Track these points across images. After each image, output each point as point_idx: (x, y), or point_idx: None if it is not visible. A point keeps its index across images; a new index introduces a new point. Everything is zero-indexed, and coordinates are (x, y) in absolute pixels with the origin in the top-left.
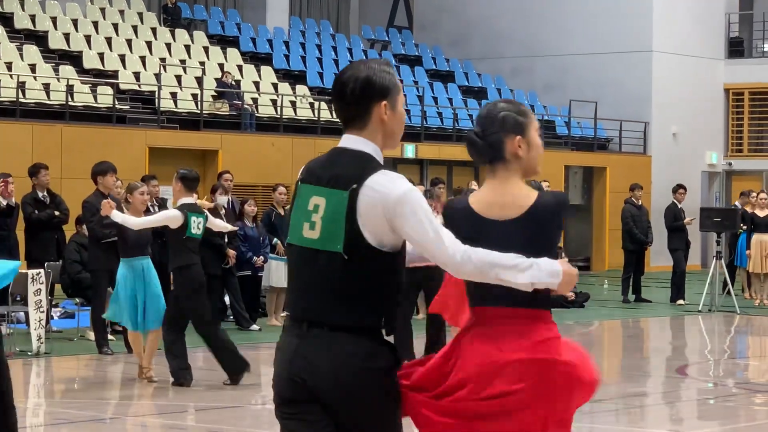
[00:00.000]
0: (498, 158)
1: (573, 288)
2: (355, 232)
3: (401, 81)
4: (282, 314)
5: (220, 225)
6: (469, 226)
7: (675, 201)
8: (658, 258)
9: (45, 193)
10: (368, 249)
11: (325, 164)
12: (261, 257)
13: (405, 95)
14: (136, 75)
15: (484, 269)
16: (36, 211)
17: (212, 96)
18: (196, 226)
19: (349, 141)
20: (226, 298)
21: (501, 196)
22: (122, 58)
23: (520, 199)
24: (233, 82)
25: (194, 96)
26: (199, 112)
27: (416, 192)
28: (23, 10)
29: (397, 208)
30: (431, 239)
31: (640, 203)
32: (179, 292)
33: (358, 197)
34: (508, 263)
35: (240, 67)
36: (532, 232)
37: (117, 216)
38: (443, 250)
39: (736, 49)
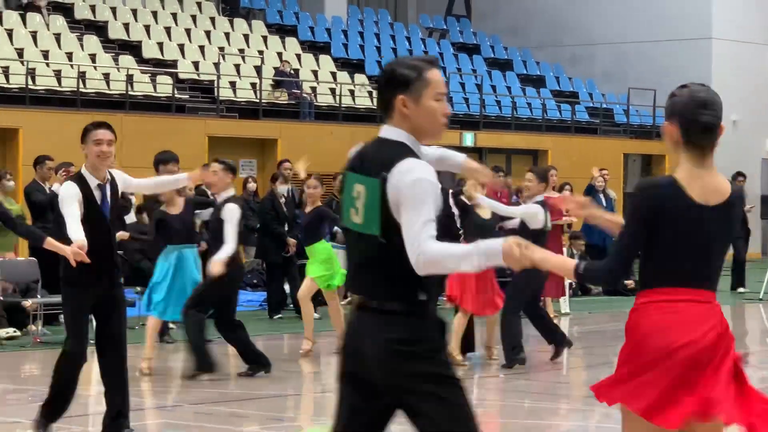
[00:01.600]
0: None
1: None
2: (388, 217)
3: (459, 69)
4: (342, 302)
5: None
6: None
7: None
8: None
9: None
10: (401, 233)
11: (364, 153)
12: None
13: (463, 83)
14: (195, 64)
15: (436, 263)
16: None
17: (271, 85)
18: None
19: (384, 131)
20: (286, 287)
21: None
22: (181, 47)
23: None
24: (292, 71)
25: (253, 85)
26: (257, 101)
27: (425, 182)
28: (83, 0)
29: (402, 193)
30: (413, 231)
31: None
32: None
33: (387, 184)
34: (456, 254)
35: (298, 56)
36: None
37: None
38: (412, 245)
39: None
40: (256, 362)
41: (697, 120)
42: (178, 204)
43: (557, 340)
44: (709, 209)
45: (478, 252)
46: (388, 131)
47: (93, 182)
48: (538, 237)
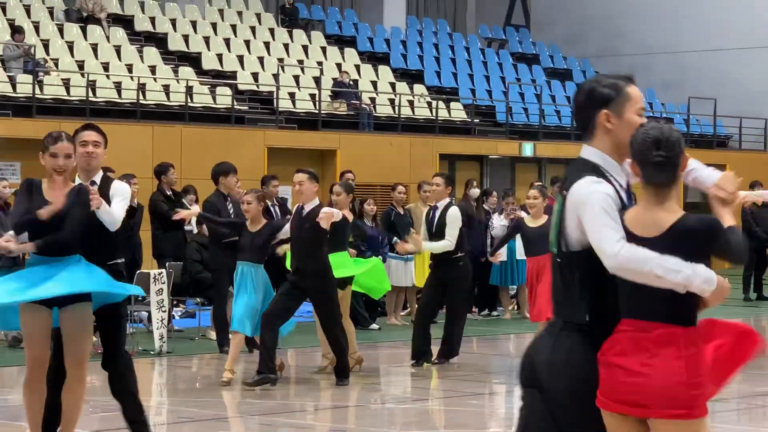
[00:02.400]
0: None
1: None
2: (563, 235)
3: (518, 79)
4: (402, 313)
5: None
6: None
7: None
8: None
9: (170, 192)
10: (573, 251)
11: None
12: (380, 257)
13: (522, 93)
14: (255, 75)
15: (639, 262)
16: (168, 209)
17: (330, 96)
18: None
19: (582, 151)
20: None
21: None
22: (240, 58)
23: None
24: (351, 82)
25: (312, 96)
26: (317, 111)
27: (597, 194)
28: (143, 12)
29: (580, 207)
30: (595, 232)
31: (761, 201)
32: None
33: (566, 203)
34: (665, 260)
35: (357, 67)
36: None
37: None
38: (602, 243)
39: None
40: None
41: (649, 160)
42: (260, 223)
43: None
44: (645, 240)
45: (694, 272)
46: (585, 151)
47: None
48: None
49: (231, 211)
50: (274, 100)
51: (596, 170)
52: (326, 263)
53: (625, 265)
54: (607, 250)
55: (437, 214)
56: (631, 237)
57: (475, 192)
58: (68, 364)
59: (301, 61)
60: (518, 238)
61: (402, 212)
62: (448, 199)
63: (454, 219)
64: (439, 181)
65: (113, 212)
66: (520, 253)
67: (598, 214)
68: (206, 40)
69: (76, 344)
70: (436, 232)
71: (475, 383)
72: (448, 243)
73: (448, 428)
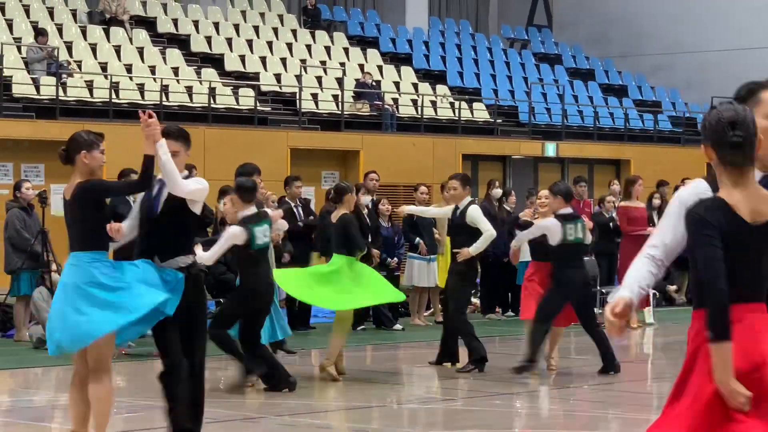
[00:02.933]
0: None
1: None
2: None
3: (540, 80)
4: (425, 314)
5: (281, 225)
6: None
7: None
8: None
9: None
10: None
11: None
12: (395, 258)
13: (545, 94)
14: (277, 77)
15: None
16: None
17: (352, 97)
18: (262, 235)
19: None
20: None
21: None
22: (263, 60)
23: None
24: (373, 83)
25: (335, 97)
26: (339, 112)
27: (677, 198)
28: (166, 14)
29: None
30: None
31: None
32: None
33: None
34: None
35: (380, 68)
36: None
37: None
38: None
39: None
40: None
41: (726, 141)
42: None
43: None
44: (757, 228)
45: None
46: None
47: None
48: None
49: None
50: (297, 101)
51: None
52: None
53: None
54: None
55: (458, 213)
56: (742, 225)
57: (498, 192)
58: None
59: (323, 62)
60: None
61: None
62: (468, 199)
63: (479, 214)
64: (455, 185)
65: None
66: None
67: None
68: (229, 41)
69: (96, 349)
70: (457, 231)
71: (499, 383)
72: (489, 233)
73: (473, 428)
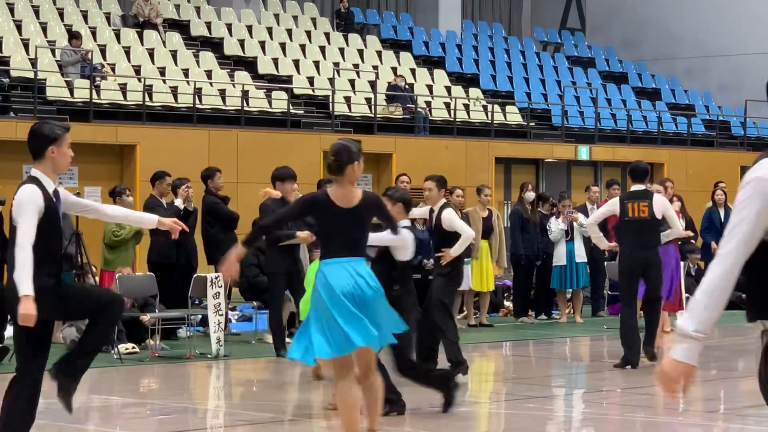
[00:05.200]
0: None
1: None
2: None
3: (573, 83)
4: (458, 317)
5: None
6: None
7: None
8: None
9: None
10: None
11: None
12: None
13: (578, 97)
14: (310, 80)
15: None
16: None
17: (385, 100)
18: None
19: None
20: None
21: None
22: (296, 63)
23: None
24: (406, 86)
25: (368, 100)
26: (372, 115)
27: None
28: (199, 17)
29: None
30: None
31: None
32: None
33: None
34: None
35: (413, 71)
36: None
37: None
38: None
39: None
40: None
41: None
42: None
43: None
44: None
45: None
46: None
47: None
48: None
49: None
50: (330, 104)
51: None
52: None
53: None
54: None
55: (433, 217)
56: None
57: (530, 195)
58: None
59: (356, 65)
60: (578, 239)
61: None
62: (443, 201)
63: (452, 216)
64: (431, 186)
65: None
66: (579, 256)
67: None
68: (262, 44)
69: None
70: (435, 234)
71: (533, 387)
72: (466, 235)
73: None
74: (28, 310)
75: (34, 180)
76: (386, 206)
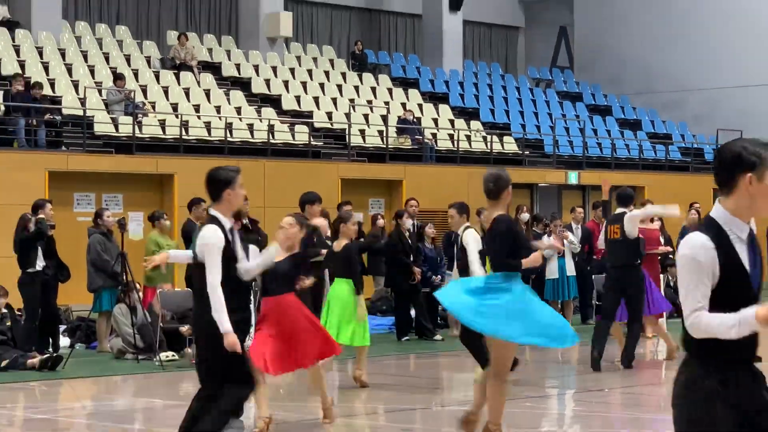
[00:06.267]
0: None
1: None
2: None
3: (563, 115)
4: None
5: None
6: None
7: None
8: None
9: (246, 221)
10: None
11: None
12: (438, 276)
13: (567, 128)
14: (329, 114)
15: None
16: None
17: (396, 132)
18: None
19: (714, 208)
20: (412, 312)
21: None
22: (316, 99)
23: None
24: (414, 119)
25: (380, 132)
26: (384, 146)
27: (681, 258)
28: (229, 59)
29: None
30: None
31: None
32: None
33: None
34: (722, 328)
35: (420, 106)
36: None
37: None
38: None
39: None
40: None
41: None
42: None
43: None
44: None
45: (739, 323)
46: (715, 209)
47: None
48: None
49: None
50: (346, 136)
51: (716, 229)
52: None
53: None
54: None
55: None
56: None
57: (525, 216)
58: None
59: (370, 101)
60: (568, 255)
61: (482, 234)
62: (465, 225)
63: (469, 239)
64: (452, 213)
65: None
66: (569, 270)
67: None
68: (285, 83)
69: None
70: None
71: (529, 387)
72: (473, 269)
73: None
74: (233, 344)
75: (215, 220)
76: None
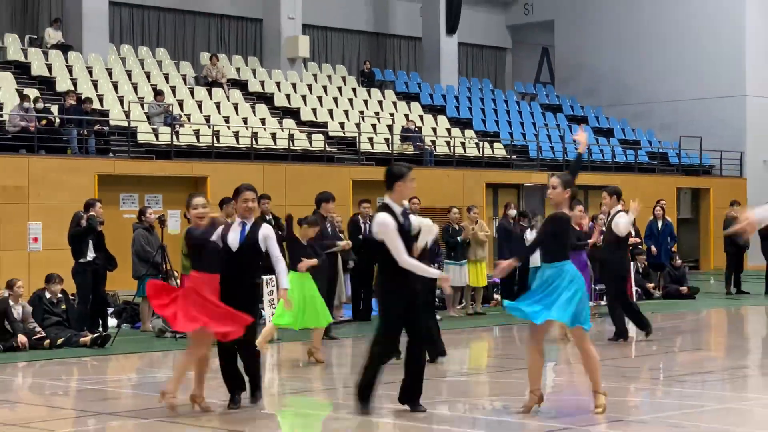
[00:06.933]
0: None
1: None
2: None
3: (546, 125)
4: (458, 307)
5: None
6: None
7: None
8: (754, 258)
9: (270, 217)
10: None
11: None
12: (435, 264)
13: (549, 135)
14: (341, 124)
15: None
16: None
17: (400, 139)
18: None
19: None
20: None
21: None
22: (330, 111)
23: None
24: (416, 128)
25: (386, 140)
26: (390, 152)
27: None
28: (255, 77)
29: None
30: None
31: (737, 215)
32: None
33: None
34: None
35: (421, 117)
36: None
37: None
38: None
39: None
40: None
41: None
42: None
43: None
44: None
45: None
46: None
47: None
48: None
49: (329, 229)
50: (357, 143)
51: None
52: None
53: None
54: None
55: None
56: None
57: (513, 212)
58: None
59: (377, 113)
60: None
61: (458, 228)
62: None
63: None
64: (605, 195)
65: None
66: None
67: None
68: (304, 97)
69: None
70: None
71: (518, 360)
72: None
73: (495, 396)
74: (447, 279)
75: (386, 207)
76: None
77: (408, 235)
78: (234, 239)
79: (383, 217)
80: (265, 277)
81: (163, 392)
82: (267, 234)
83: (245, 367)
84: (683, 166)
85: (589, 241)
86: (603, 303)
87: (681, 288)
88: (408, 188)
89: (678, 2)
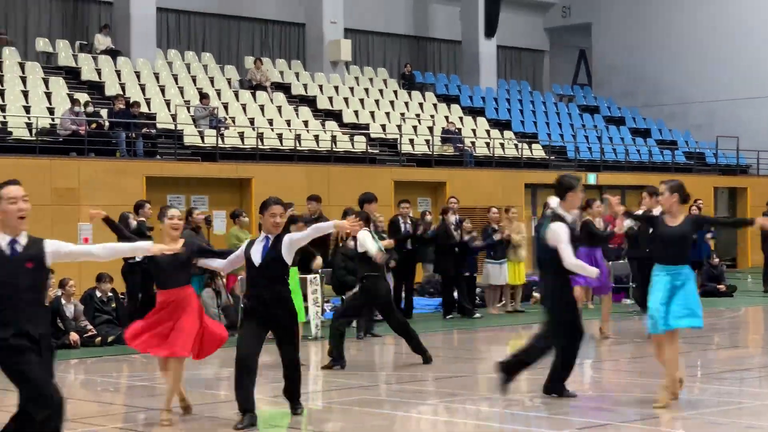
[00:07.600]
0: None
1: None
2: None
3: (584, 125)
4: (498, 305)
5: None
6: None
7: None
8: None
9: (315, 216)
10: None
11: None
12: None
13: (587, 136)
14: (383, 126)
15: None
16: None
17: (440, 141)
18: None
19: None
20: (455, 294)
21: None
22: (372, 114)
23: None
24: (456, 130)
25: (427, 141)
26: (431, 153)
27: None
28: (298, 80)
29: None
30: None
31: None
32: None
33: None
34: None
35: (461, 118)
36: None
37: None
38: None
39: None
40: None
41: None
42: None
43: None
44: None
45: None
46: None
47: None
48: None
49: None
50: (398, 144)
51: None
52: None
53: None
54: None
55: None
56: None
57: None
58: None
59: (418, 115)
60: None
61: (496, 228)
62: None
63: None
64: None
65: None
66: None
67: None
68: (346, 100)
69: None
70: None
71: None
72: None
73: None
74: (594, 272)
75: (558, 217)
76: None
77: (575, 239)
78: (257, 253)
79: (558, 227)
80: (308, 276)
81: (162, 415)
82: (289, 239)
83: (286, 379)
84: (720, 166)
85: (615, 230)
86: (629, 302)
87: (719, 286)
88: (578, 198)
89: (712, 3)
